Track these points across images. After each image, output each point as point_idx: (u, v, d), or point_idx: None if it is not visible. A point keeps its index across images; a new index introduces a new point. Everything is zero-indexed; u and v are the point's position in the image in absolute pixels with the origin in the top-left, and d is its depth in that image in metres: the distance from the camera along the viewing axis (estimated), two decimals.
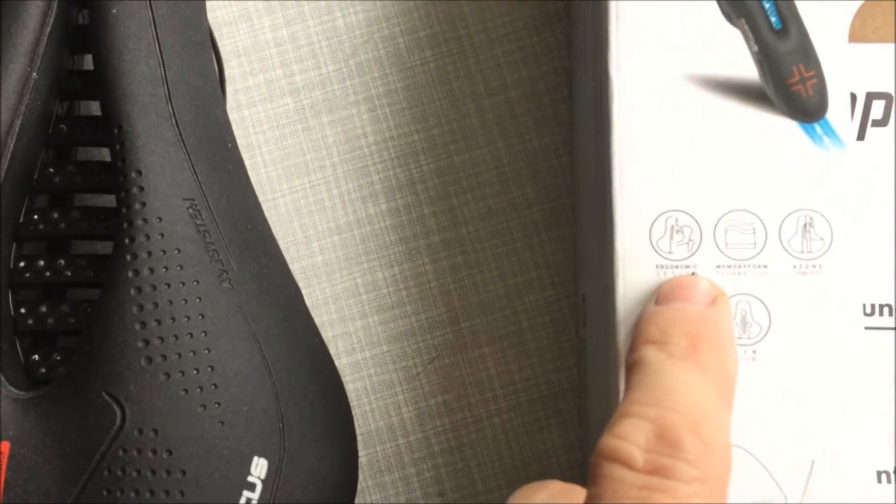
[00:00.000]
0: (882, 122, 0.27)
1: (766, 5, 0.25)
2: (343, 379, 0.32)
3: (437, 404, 0.32)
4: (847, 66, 0.26)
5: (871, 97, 0.27)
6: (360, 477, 0.32)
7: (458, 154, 0.33)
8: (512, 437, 0.32)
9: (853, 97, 0.27)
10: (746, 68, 0.25)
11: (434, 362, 0.33)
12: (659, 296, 0.24)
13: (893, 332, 0.25)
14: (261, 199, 0.33)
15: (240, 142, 0.33)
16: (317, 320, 0.32)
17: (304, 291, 0.32)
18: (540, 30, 0.34)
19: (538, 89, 0.34)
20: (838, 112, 0.25)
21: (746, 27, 0.25)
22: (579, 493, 0.22)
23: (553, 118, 0.33)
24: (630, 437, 0.20)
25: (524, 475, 0.32)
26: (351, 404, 0.32)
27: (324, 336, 0.32)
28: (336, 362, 0.32)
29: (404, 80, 0.34)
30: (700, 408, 0.21)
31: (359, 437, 0.32)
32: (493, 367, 0.33)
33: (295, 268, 0.33)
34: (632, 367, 0.23)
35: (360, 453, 0.32)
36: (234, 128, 0.33)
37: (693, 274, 0.25)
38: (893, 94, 0.27)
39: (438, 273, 0.33)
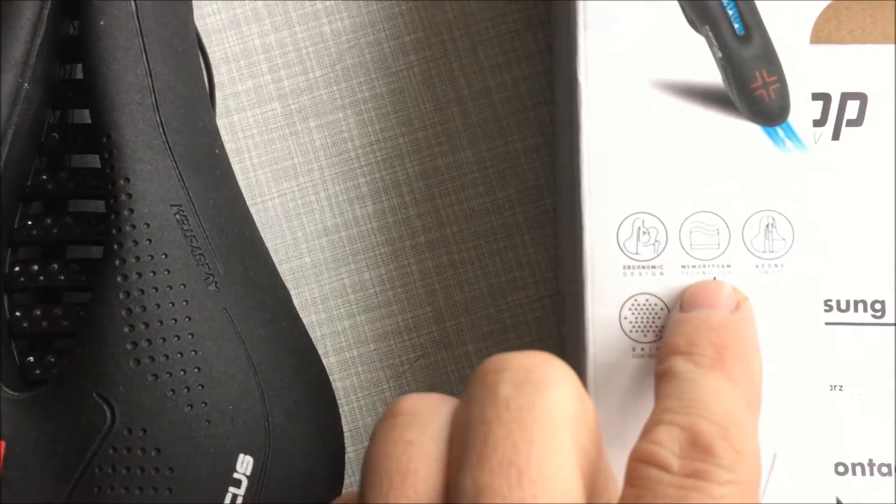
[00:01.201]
0: (857, 122, 0.28)
1: (730, 12, 0.25)
2: (331, 377, 0.33)
3: None
4: (809, 72, 0.26)
5: (845, 97, 0.28)
6: (349, 472, 0.33)
7: (443, 157, 0.34)
8: None
9: (827, 97, 0.27)
10: (711, 74, 0.26)
11: (420, 360, 0.33)
12: (683, 302, 0.25)
13: (852, 326, 0.26)
14: (250, 202, 0.34)
15: (229, 146, 0.34)
16: (305, 320, 0.33)
17: (293, 292, 0.33)
18: (522, 34, 0.34)
19: (520, 92, 0.34)
20: (800, 115, 0.26)
21: (710, 34, 0.25)
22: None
23: (535, 121, 0.34)
24: (665, 443, 0.21)
25: None
26: (339, 402, 0.33)
27: (312, 335, 0.33)
28: (324, 361, 0.33)
29: (390, 84, 0.34)
30: (729, 416, 0.22)
31: (347, 434, 0.33)
32: (478, 364, 0.33)
33: (284, 269, 0.34)
34: (661, 377, 0.23)
35: (349, 449, 0.33)
36: (223, 132, 0.34)
37: (715, 279, 0.25)
38: (868, 95, 0.28)
39: (424, 273, 0.34)
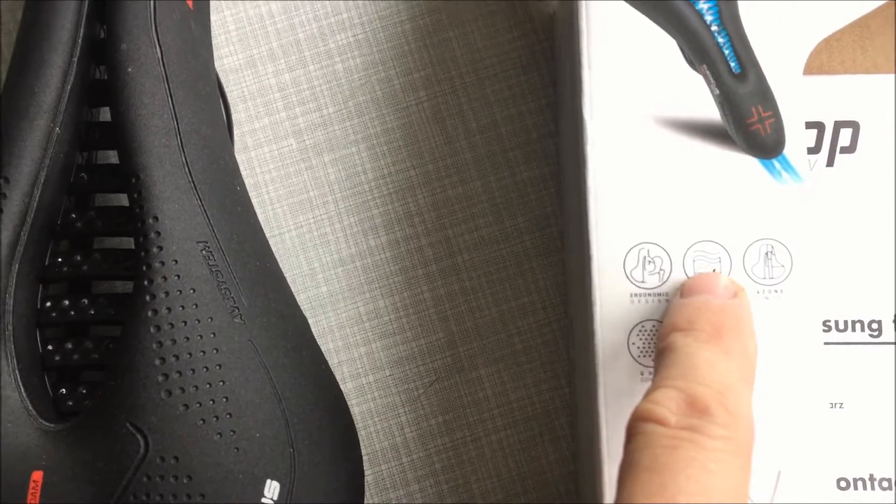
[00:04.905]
0: (850, 150, 0.29)
1: (726, 52, 0.27)
2: (349, 402, 0.34)
3: (438, 424, 0.34)
4: (803, 104, 0.28)
5: (838, 126, 0.29)
6: (367, 495, 0.34)
7: (453, 188, 0.35)
8: (509, 453, 0.34)
9: (821, 126, 0.29)
10: (709, 110, 0.27)
11: (434, 384, 0.35)
12: (683, 290, 0.26)
13: (850, 345, 0.27)
14: (268, 234, 0.35)
15: (247, 181, 0.35)
16: (323, 348, 0.34)
17: (310, 321, 0.34)
18: (527, 69, 0.36)
19: (526, 125, 0.36)
20: (795, 148, 0.27)
21: (708, 72, 0.27)
22: None
23: (541, 152, 0.35)
24: (663, 402, 0.23)
25: (521, 489, 0.34)
26: (357, 426, 0.34)
27: (330, 362, 0.34)
28: (342, 387, 0.34)
29: (400, 119, 0.36)
30: (725, 383, 0.23)
31: (365, 457, 0.34)
32: (490, 387, 0.34)
33: (301, 299, 0.35)
34: (661, 352, 0.25)
35: (367, 472, 0.34)
36: (241, 168, 0.35)
37: (714, 271, 0.27)
38: (860, 123, 0.29)
39: (436, 300, 0.35)
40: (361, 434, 0.34)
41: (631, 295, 0.26)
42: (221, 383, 0.27)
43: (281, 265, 0.34)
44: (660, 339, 0.25)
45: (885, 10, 0.30)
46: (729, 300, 0.26)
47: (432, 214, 0.35)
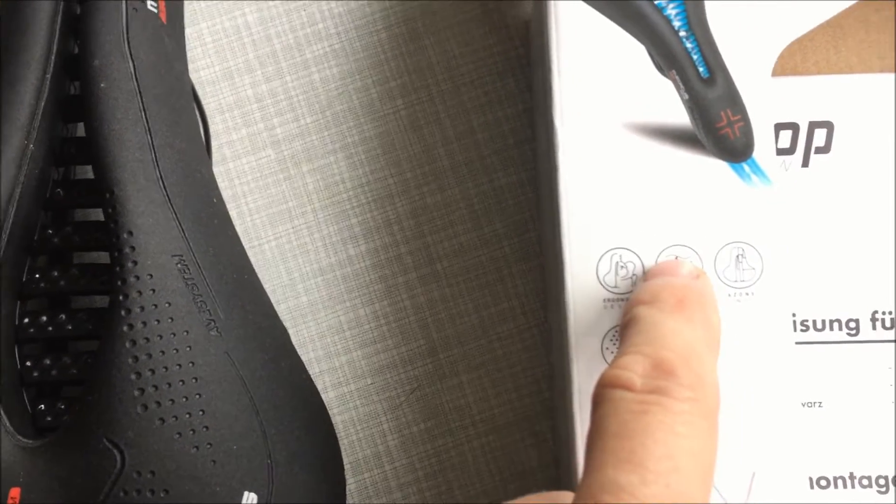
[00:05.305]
0: (825, 150, 0.29)
1: (695, 57, 0.27)
2: (331, 411, 0.34)
3: (420, 431, 0.34)
4: (772, 106, 0.28)
5: (813, 126, 0.29)
6: (349, 502, 0.34)
7: (431, 195, 0.36)
8: (491, 459, 0.34)
9: (795, 127, 0.29)
10: (679, 115, 0.27)
11: (415, 392, 0.35)
12: (648, 274, 0.27)
13: (829, 345, 0.27)
14: (247, 245, 0.35)
15: (226, 193, 0.35)
16: (304, 357, 0.34)
17: (291, 331, 0.34)
18: (503, 76, 0.36)
19: (503, 131, 0.36)
20: (764, 151, 0.27)
21: (677, 77, 0.27)
22: (566, 495, 0.24)
23: (518, 157, 0.36)
24: (629, 367, 0.23)
25: (504, 495, 0.34)
26: (339, 435, 0.34)
27: (311, 372, 0.34)
28: (323, 396, 0.34)
29: (378, 128, 0.36)
30: (690, 349, 0.23)
31: (347, 466, 0.34)
32: (471, 393, 0.35)
33: (281, 309, 0.35)
34: (626, 325, 0.25)
35: (350, 481, 0.34)
36: (220, 180, 0.35)
37: (676, 258, 0.27)
38: (834, 123, 0.29)
39: (416, 308, 0.35)
40: (344, 443, 0.34)
41: (604, 300, 0.27)
42: (198, 396, 0.27)
43: (261, 276, 0.34)
44: (624, 315, 0.25)
45: (857, 10, 0.30)
46: (692, 280, 0.26)
47: (411, 222, 0.35)
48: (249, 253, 0.34)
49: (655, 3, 0.27)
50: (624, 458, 0.21)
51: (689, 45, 0.27)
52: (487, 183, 0.35)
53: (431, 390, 0.35)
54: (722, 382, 0.26)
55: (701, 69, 0.27)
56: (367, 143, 0.36)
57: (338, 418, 0.34)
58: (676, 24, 0.27)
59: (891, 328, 0.28)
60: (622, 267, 0.27)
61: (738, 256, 0.27)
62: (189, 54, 0.36)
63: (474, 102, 0.36)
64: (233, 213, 0.35)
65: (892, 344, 0.28)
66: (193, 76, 0.36)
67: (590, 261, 0.27)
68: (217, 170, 0.35)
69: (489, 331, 0.35)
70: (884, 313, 0.28)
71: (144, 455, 0.26)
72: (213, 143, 0.36)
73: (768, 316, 0.27)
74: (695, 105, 0.27)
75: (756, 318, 0.27)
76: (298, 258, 0.35)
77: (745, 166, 0.27)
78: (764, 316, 0.27)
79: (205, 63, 0.36)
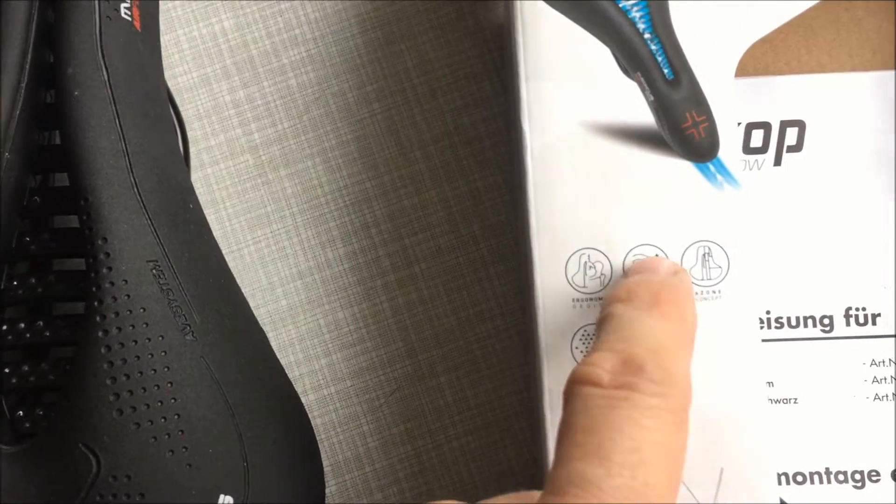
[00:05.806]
0: (797, 148, 0.29)
1: (659, 59, 0.27)
2: (311, 414, 0.34)
3: (400, 433, 0.35)
4: (737, 109, 0.28)
5: (784, 125, 0.29)
6: None
7: (409, 198, 0.36)
8: (471, 459, 0.35)
9: (767, 126, 0.29)
10: (644, 116, 0.27)
11: (395, 394, 0.35)
12: (626, 272, 0.27)
13: (802, 341, 0.27)
14: (226, 250, 0.35)
15: (204, 198, 0.36)
16: (284, 360, 0.35)
17: (270, 335, 0.35)
18: (479, 79, 0.36)
19: (479, 134, 0.36)
20: (730, 151, 0.28)
21: (642, 79, 0.27)
22: (537, 494, 0.24)
23: (494, 160, 0.36)
24: (598, 364, 0.23)
25: (484, 494, 0.34)
26: (319, 438, 0.34)
27: (291, 375, 0.34)
28: (303, 399, 0.34)
29: (355, 132, 0.36)
30: (661, 345, 0.24)
31: (328, 468, 0.34)
32: (450, 394, 0.35)
33: (261, 313, 0.35)
34: (601, 322, 0.25)
35: (330, 483, 0.34)
36: (198, 185, 0.36)
37: (657, 255, 0.27)
38: (806, 122, 0.29)
39: (395, 310, 0.35)
40: (324, 445, 0.34)
41: (573, 300, 0.27)
42: (173, 401, 0.27)
43: (240, 280, 0.34)
44: (601, 312, 0.26)
45: (827, 10, 0.30)
46: (670, 277, 0.26)
47: (389, 225, 0.36)
48: (228, 258, 0.35)
49: (620, 5, 0.27)
50: (591, 451, 0.21)
51: (653, 47, 0.27)
52: (464, 185, 0.36)
53: (411, 392, 0.35)
54: (693, 380, 0.27)
55: (666, 71, 0.27)
56: (345, 147, 0.36)
57: (318, 421, 0.34)
58: (641, 26, 0.27)
59: (865, 324, 0.28)
60: (590, 267, 0.27)
61: (704, 255, 0.27)
62: (166, 61, 0.36)
63: (450, 106, 0.36)
64: (211, 219, 0.35)
65: (867, 340, 0.28)
66: (171, 83, 0.36)
67: (558, 261, 0.27)
68: (195, 175, 0.36)
69: (467, 332, 0.35)
70: (857, 309, 0.28)
71: (120, 459, 0.26)
72: (192, 150, 0.36)
73: (735, 314, 0.27)
74: (660, 106, 0.27)
75: (723, 316, 0.27)
76: (277, 262, 0.35)
77: (711, 166, 0.28)
78: (731, 314, 0.27)
79: (182, 70, 0.36)
